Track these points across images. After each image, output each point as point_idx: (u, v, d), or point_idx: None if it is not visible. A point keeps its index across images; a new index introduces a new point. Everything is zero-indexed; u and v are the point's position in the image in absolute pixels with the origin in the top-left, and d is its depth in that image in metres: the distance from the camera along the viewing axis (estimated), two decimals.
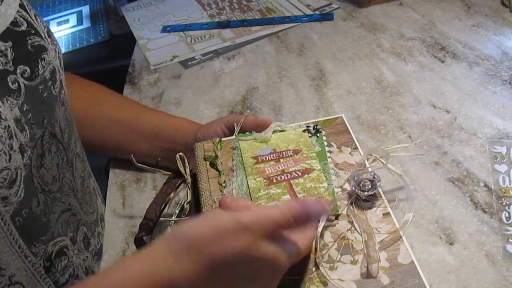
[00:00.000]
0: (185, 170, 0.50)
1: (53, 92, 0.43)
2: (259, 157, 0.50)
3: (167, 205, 0.52)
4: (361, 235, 0.43)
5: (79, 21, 1.20)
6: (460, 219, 0.53)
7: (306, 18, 0.94)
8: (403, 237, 0.42)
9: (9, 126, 0.35)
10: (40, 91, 0.40)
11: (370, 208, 0.45)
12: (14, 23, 0.39)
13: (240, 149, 0.51)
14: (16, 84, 0.37)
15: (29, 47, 0.40)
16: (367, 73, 0.77)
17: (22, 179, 0.36)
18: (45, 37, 0.42)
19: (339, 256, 0.42)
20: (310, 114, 0.70)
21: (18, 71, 0.37)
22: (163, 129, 0.61)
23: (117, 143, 0.62)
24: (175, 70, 0.86)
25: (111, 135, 0.62)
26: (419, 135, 0.64)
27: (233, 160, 0.50)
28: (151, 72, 0.86)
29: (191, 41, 0.93)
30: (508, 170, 0.57)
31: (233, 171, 0.49)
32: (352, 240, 0.43)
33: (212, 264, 0.32)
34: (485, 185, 0.56)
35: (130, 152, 0.52)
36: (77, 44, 1.10)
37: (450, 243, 0.50)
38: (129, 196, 0.62)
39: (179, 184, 0.52)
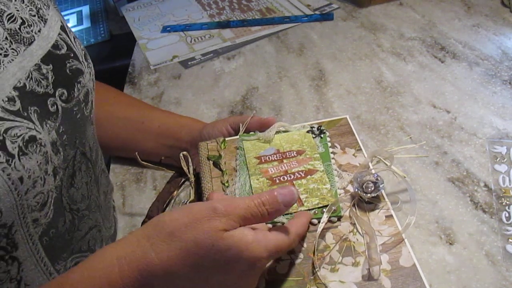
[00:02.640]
0: (188, 169, 0.51)
1: (85, 112, 0.44)
2: (262, 157, 0.50)
3: (170, 204, 0.52)
4: (363, 237, 0.43)
5: (79, 21, 1.20)
6: (460, 219, 0.53)
7: (306, 18, 0.94)
8: (405, 240, 0.42)
9: (46, 152, 0.35)
10: (74, 113, 0.41)
11: (373, 210, 0.45)
12: (55, 46, 0.40)
13: (243, 149, 0.51)
14: (55, 107, 0.38)
15: (67, 70, 0.40)
16: (367, 73, 0.77)
17: (52, 201, 0.37)
18: (82, 61, 0.43)
19: (340, 257, 0.41)
20: (310, 114, 0.70)
21: (57, 94, 0.38)
22: (169, 127, 0.61)
23: (123, 142, 0.63)
24: (175, 70, 0.86)
25: (118, 133, 0.63)
26: (419, 135, 0.64)
27: (236, 160, 0.50)
28: (151, 72, 0.86)
29: (191, 41, 0.93)
30: (508, 170, 0.57)
31: (236, 171, 0.49)
32: (354, 242, 0.43)
33: (186, 247, 0.32)
34: (485, 185, 0.56)
35: (135, 150, 0.53)
36: None
37: (450, 243, 0.50)
38: (129, 196, 0.62)
39: (182, 183, 0.53)
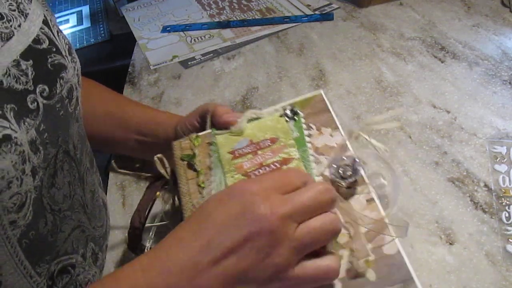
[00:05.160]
0: (166, 171, 0.47)
1: (69, 109, 0.42)
2: (236, 151, 0.46)
3: (151, 210, 0.50)
4: (345, 227, 0.39)
5: (79, 21, 1.20)
6: (460, 219, 0.53)
7: (306, 18, 0.94)
8: (389, 226, 0.39)
9: (23, 151, 0.33)
10: (57, 109, 0.40)
11: (353, 195, 0.41)
12: (36, 40, 0.38)
13: (216, 144, 0.47)
14: (35, 103, 0.36)
15: (49, 65, 0.39)
16: (367, 73, 0.77)
17: (31, 202, 0.35)
18: (65, 55, 0.42)
19: None
20: None
21: (37, 90, 0.37)
22: (146, 125, 0.59)
23: (106, 138, 0.61)
24: (175, 70, 0.86)
25: (99, 129, 0.61)
26: (419, 135, 0.64)
27: (210, 157, 0.46)
28: (151, 72, 0.86)
29: (191, 41, 0.93)
30: (508, 170, 0.57)
31: (211, 169, 0.45)
32: None
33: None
34: (485, 185, 0.56)
35: (118, 147, 0.51)
36: (77, 44, 1.10)
37: (450, 243, 0.50)
38: (129, 196, 0.62)
39: (163, 186, 0.50)
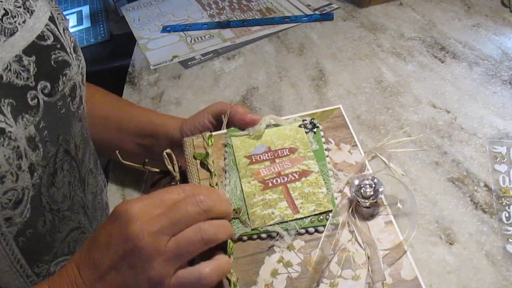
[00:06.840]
0: (173, 167, 0.47)
1: (71, 108, 0.42)
2: (253, 157, 0.45)
3: None
4: (363, 248, 0.39)
5: (79, 21, 1.20)
6: (460, 219, 0.53)
7: (306, 18, 0.94)
8: (408, 251, 0.39)
9: (18, 147, 0.34)
10: (58, 107, 0.39)
11: (372, 215, 0.41)
12: (41, 36, 0.38)
13: (232, 146, 0.46)
14: (36, 100, 0.36)
15: (52, 62, 0.39)
16: (367, 73, 0.77)
17: (29, 199, 0.36)
18: (70, 52, 0.42)
19: (339, 270, 0.38)
20: None
21: (38, 87, 0.37)
22: (144, 126, 0.58)
23: (105, 142, 0.60)
24: (175, 70, 0.86)
25: (99, 134, 0.60)
26: (419, 135, 0.64)
27: (225, 159, 0.46)
28: (151, 72, 0.86)
29: (191, 41, 0.93)
30: (508, 170, 0.57)
31: (225, 171, 0.45)
32: (353, 253, 0.39)
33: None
34: (485, 185, 0.56)
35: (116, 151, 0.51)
36: None
37: (450, 243, 0.50)
38: (129, 196, 0.62)
39: (170, 183, 0.49)
